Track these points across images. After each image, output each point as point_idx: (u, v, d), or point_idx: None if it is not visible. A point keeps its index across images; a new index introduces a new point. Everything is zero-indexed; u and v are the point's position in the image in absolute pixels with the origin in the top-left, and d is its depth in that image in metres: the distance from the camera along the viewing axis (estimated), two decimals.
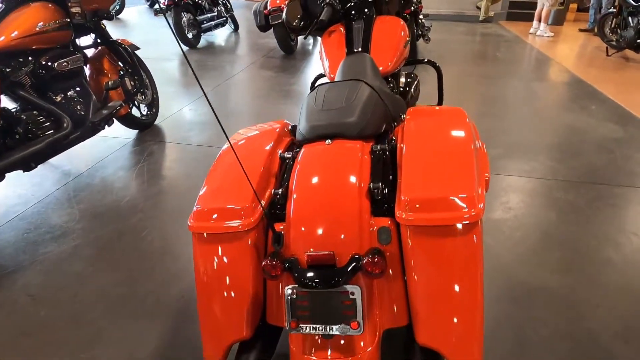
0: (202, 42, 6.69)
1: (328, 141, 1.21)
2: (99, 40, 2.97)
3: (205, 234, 1.12)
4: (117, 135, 3.33)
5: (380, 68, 1.83)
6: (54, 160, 2.80)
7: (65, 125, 2.47)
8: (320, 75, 2.23)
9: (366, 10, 2.05)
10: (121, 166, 2.87)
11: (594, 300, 1.73)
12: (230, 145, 1.15)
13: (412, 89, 2.10)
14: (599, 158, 2.89)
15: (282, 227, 1.11)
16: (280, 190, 1.18)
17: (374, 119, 1.29)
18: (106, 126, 2.87)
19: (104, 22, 2.97)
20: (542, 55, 6.01)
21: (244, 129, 1.50)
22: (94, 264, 1.97)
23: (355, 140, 1.21)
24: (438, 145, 1.16)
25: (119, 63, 3.14)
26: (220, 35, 7.33)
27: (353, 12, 2.05)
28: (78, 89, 2.70)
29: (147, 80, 3.42)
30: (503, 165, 2.81)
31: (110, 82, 2.77)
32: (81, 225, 2.24)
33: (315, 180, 1.13)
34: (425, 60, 2.39)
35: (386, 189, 1.12)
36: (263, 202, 1.15)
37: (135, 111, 3.39)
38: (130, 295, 1.78)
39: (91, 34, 2.94)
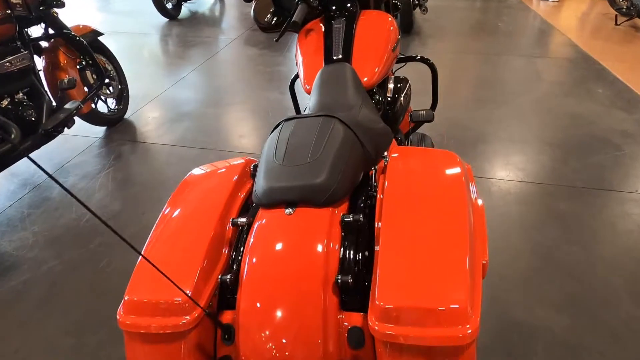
0: (184, 11, 6.24)
1: (289, 210, 0.98)
2: (51, 32, 2.64)
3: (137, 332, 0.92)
4: (82, 133, 3.05)
5: (365, 79, 1.57)
6: (16, 165, 2.56)
7: (12, 135, 2.20)
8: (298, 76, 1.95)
9: (348, 5, 1.75)
10: (84, 174, 2.62)
11: (599, 347, 1.54)
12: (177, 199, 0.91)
13: (402, 96, 1.83)
14: (606, 157, 2.65)
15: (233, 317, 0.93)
16: (228, 277, 0.97)
17: (348, 174, 1.05)
18: (66, 129, 2.60)
19: (56, 10, 2.63)
20: (546, 24, 5.61)
21: (198, 170, 1.26)
22: (42, 307, 1.76)
23: (322, 208, 0.98)
24: (425, 221, 0.94)
25: (80, 55, 2.82)
26: (204, 4, 6.85)
27: (333, 7, 1.76)
28: (28, 90, 2.41)
29: (112, 71, 3.11)
30: (498, 165, 2.56)
31: (65, 81, 2.47)
32: (33, 254, 2.02)
33: (270, 263, 0.92)
34: (418, 57, 2.10)
35: (362, 272, 0.92)
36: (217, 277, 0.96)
37: (101, 106, 3.10)
38: (79, 347, 1.59)
39: (42, 24, 2.61)
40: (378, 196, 1.09)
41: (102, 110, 3.07)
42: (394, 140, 1.56)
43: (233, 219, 1.06)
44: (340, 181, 1.01)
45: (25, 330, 1.67)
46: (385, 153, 1.25)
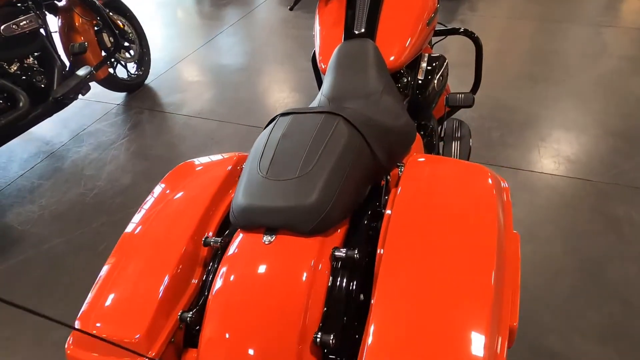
0: None
1: (267, 238, 0.79)
2: None
3: None
4: (101, 99, 2.95)
5: (391, 59, 1.32)
6: (32, 129, 2.51)
7: (20, 103, 2.10)
8: None
9: None
10: (98, 144, 2.52)
11: None
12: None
13: (436, 79, 1.56)
14: None
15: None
16: (189, 315, 0.81)
17: (347, 193, 0.84)
18: (80, 95, 2.49)
19: None
20: None
21: (181, 167, 1.08)
22: (39, 290, 1.69)
23: (310, 238, 0.79)
24: (438, 260, 0.73)
25: (97, 16, 2.66)
26: None
27: None
28: (39, 54, 2.28)
29: (132, 34, 2.94)
30: (546, 156, 2.24)
31: (76, 46, 2.33)
32: (37, 230, 1.95)
33: (238, 305, 0.75)
34: (461, 30, 1.80)
35: (351, 326, 0.77)
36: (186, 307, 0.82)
37: (121, 70, 2.96)
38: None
39: None
40: (385, 215, 0.87)
41: (121, 76, 2.93)
42: (418, 136, 1.31)
43: (206, 237, 0.88)
44: (336, 203, 0.80)
45: (18, 318, 1.60)
46: (399, 167, 1.02)
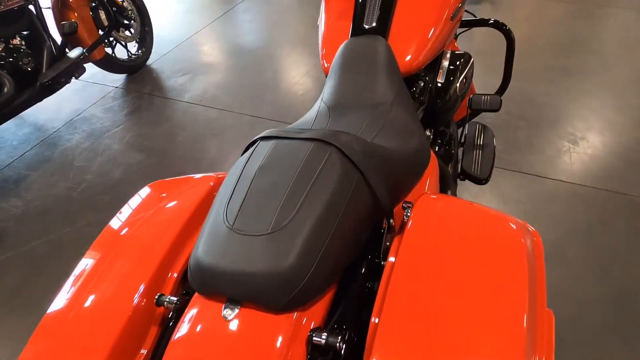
0: None
1: (227, 312, 0.62)
2: None
3: None
4: (99, 81, 2.78)
5: (406, 59, 1.13)
6: (24, 112, 2.37)
7: (5, 88, 1.95)
8: None
9: None
10: (91, 131, 2.36)
11: None
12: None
13: (459, 81, 1.34)
14: None
15: None
16: None
17: (334, 253, 0.66)
18: (73, 79, 2.32)
19: None
20: None
21: (145, 192, 0.92)
22: (16, 295, 1.57)
23: (282, 315, 0.61)
24: (448, 349, 0.56)
25: None
26: None
27: None
28: (26, 34, 2.11)
29: (131, 11, 2.75)
30: (578, 163, 2.01)
31: (66, 25, 2.14)
32: (19, 228, 1.83)
33: None
34: (491, 21, 1.56)
35: None
36: None
37: (121, 50, 2.78)
38: None
39: None
40: (384, 272, 0.70)
41: (121, 56, 2.75)
42: (433, 157, 1.11)
43: (160, 295, 0.71)
44: (318, 269, 0.62)
45: None
46: (406, 207, 0.83)
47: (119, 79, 2.80)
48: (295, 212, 0.64)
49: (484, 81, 2.45)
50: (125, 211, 0.87)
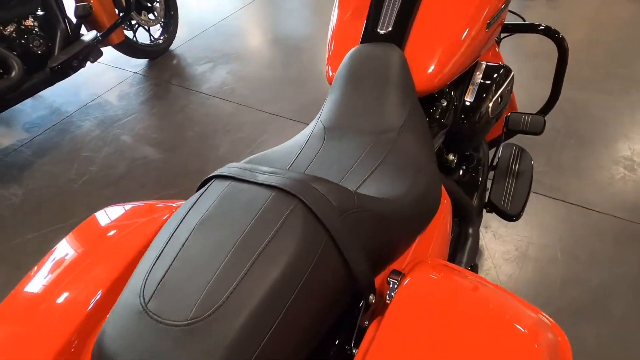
0: None
1: None
2: None
3: None
4: (121, 65, 2.69)
5: (425, 75, 0.93)
6: (42, 93, 2.32)
7: (13, 72, 1.87)
8: None
9: None
10: (103, 119, 2.27)
11: None
12: None
13: (491, 101, 1.11)
14: None
15: None
16: None
17: (281, 345, 0.48)
18: (87, 63, 2.23)
19: None
20: None
21: (96, 219, 0.78)
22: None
23: None
24: None
25: None
26: None
27: None
28: (40, 14, 2.03)
29: None
30: (636, 193, 1.72)
31: (80, 7, 2.04)
32: (13, 220, 1.76)
33: None
34: (541, 27, 1.31)
35: None
36: None
37: (143, 34, 2.67)
38: None
39: None
40: None
41: (143, 41, 2.65)
42: (445, 197, 0.91)
43: None
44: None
45: None
46: (392, 281, 0.65)
47: (140, 63, 2.70)
48: (232, 291, 0.47)
49: (532, 91, 2.18)
50: (60, 249, 0.73)
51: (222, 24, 3.07)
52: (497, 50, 1.41)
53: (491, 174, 1.39)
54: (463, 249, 1.16)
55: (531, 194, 1.75)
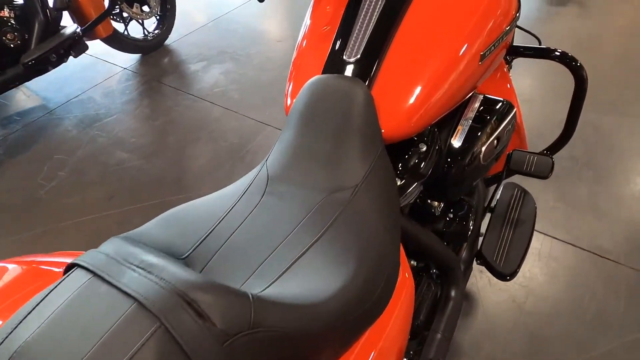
0: None
1: None
2: None
3: None
4: (111, 59, 2.55)
5: (397, 119, 0.77)
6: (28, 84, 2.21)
7: None
8: None
9: None
10: (83, 117, 2.14)
11: None
12: None
13: (487, 143, 0.91)
14: None
15: None
16: None
17: None
18: (70, 57, 2.09)
19: None
20: None
21: None
22: None
23: None
24: None
25: None
26: None
27: None
28: (18, 3, 1.89)
29: None
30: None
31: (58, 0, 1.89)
32: None
33: None
34: (556, 53, 1.09)
35: None
36: None
37: (136, 28, 2.53)
38: None
39: None
40: None
41: (136, 35, 2.50)
42: (403, 284, 0.73)
43: None
44: None
45: None
46: None
47: (131, 58, 2.55)
48: None
49: (548, 113, 1.95)
50: None
51: (224, 19, 2.90)
52: (505, 70, 1.21)
53: (487, 217, 1.20)
54: (441, 314, 0.97)
55: (538, 234, 1.55)
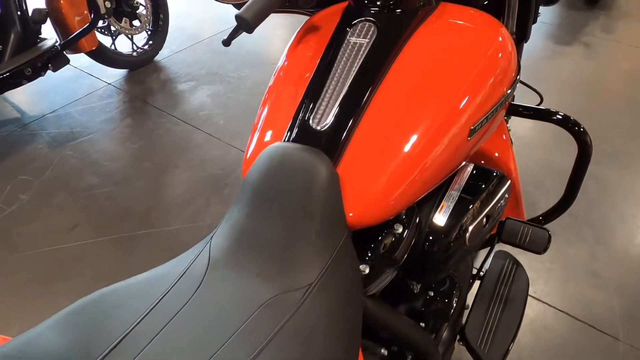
0: None
1: None
2: None
3: None
4: (96, 73, 2.45)
5: (367, 204, 0.66)
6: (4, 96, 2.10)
7: None
8: None
9: None
10: (56, 135, 2.02)
11: None
12: None
13: (475, 222, 0.79)
14: None
15: None
16: None
17: None
18: (47, 72, 1.98)
19: None
20: None
21: None
22: None
23: None
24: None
25: None
26: None
27: None
28: None
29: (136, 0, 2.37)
30: None
31: (35, 12, 1.79)
32: None
33: None
34: (558, 116, 0.97)
35: None
36: None
37: (125, 42, 2.43)
38: None
39: None
40: None
41: (124, 50, 2.40)
42: None
43: None
44: None
45: None
46: None
47: (117, 73, 2.45)
48: None
49: (549, 163, 1.83)
50: None
51: (218, 37, 2.81)
52: (506, 128, 1.09)
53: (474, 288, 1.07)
54: None
55: (532, 300, 1.42)
